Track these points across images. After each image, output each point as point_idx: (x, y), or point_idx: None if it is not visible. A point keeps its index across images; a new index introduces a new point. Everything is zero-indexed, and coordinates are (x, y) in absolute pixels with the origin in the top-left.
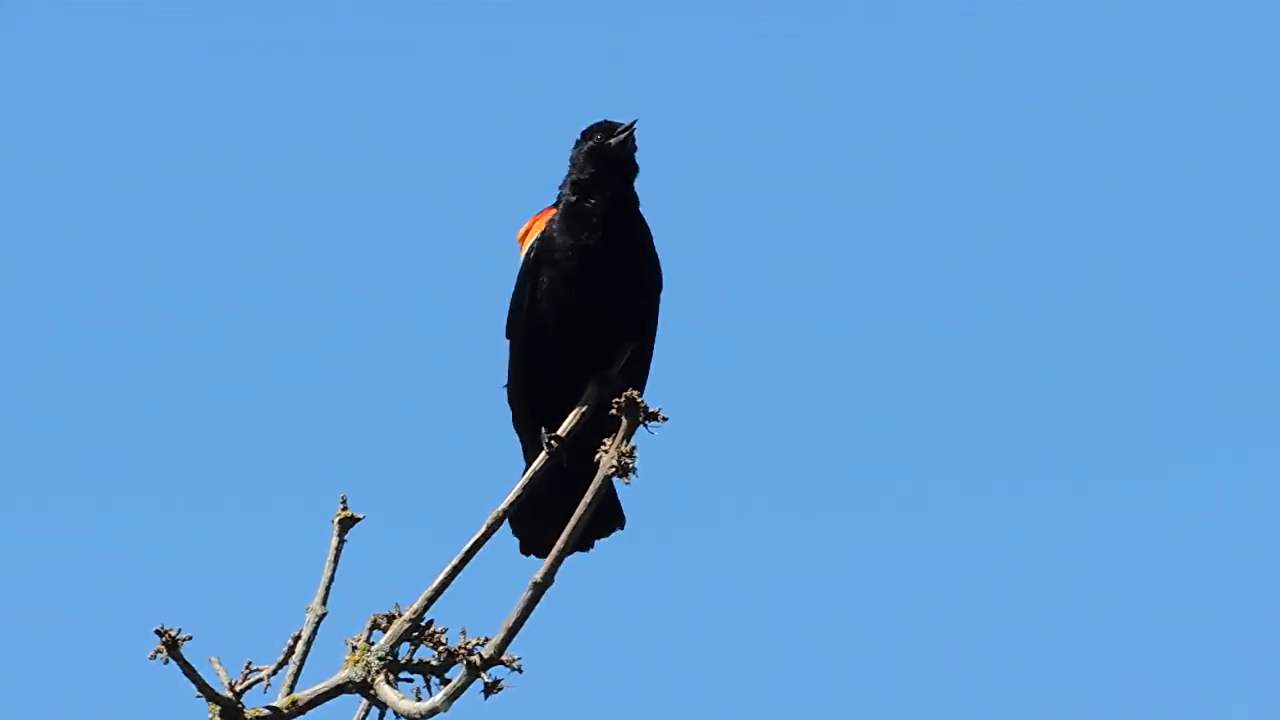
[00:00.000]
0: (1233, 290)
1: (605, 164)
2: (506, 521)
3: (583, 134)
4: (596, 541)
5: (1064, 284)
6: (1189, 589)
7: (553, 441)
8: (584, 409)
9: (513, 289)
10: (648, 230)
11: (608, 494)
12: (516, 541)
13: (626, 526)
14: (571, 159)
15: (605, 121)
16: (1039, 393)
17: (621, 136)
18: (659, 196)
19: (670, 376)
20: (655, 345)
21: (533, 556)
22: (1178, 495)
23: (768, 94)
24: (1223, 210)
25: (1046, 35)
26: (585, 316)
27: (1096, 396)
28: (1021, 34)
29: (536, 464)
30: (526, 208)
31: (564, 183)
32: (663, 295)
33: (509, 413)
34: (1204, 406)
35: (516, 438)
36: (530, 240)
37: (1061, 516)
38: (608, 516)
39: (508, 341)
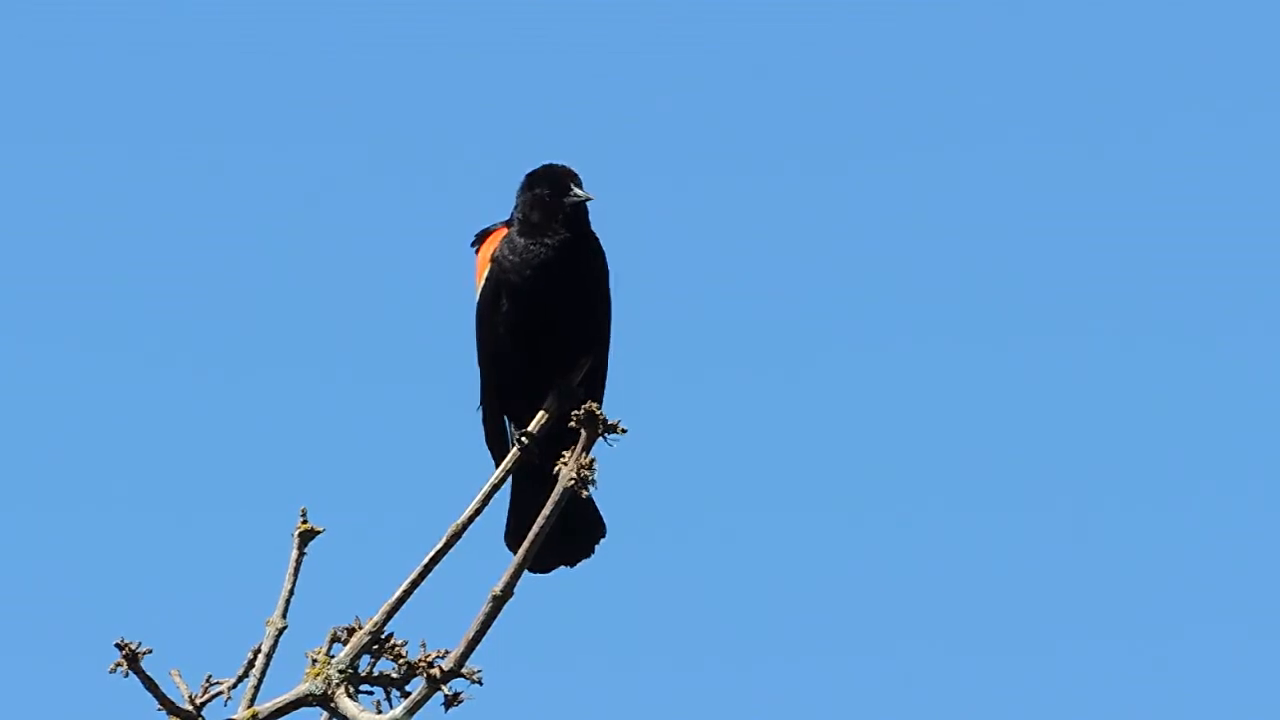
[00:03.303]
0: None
1: (557, 220)
2: (503, 541)
3: (533, 177)
4: (583, 559)
5: (1056, 290)
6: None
7: (523, 439)
8: (547, 416)
9: (475, 321)
10: (598, 243)
11: (588, 510)
12: (477, 554)
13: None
14: (519, 202)
15: (551, 171)
16: (1021, 400)
17: (572, 201)
18: (620, 204)
19: (630, 388)
20: (612, 357)
21: (501, 569)
22: (1170, 503)
23: (735, 100)
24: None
25: (1044, 38)
26: (544, 332)
27: (1089, 408)
28: (1019, 38)
29: (507, 462)
30: (494, 214)
31: (514, 214)
32: (626, 304)
33: (473, 425)
34: (1219, 415)
35: (485, 453)
36: (484, 269)
37: (1040, 527)
38: (588, 531)
39: (479, 368)
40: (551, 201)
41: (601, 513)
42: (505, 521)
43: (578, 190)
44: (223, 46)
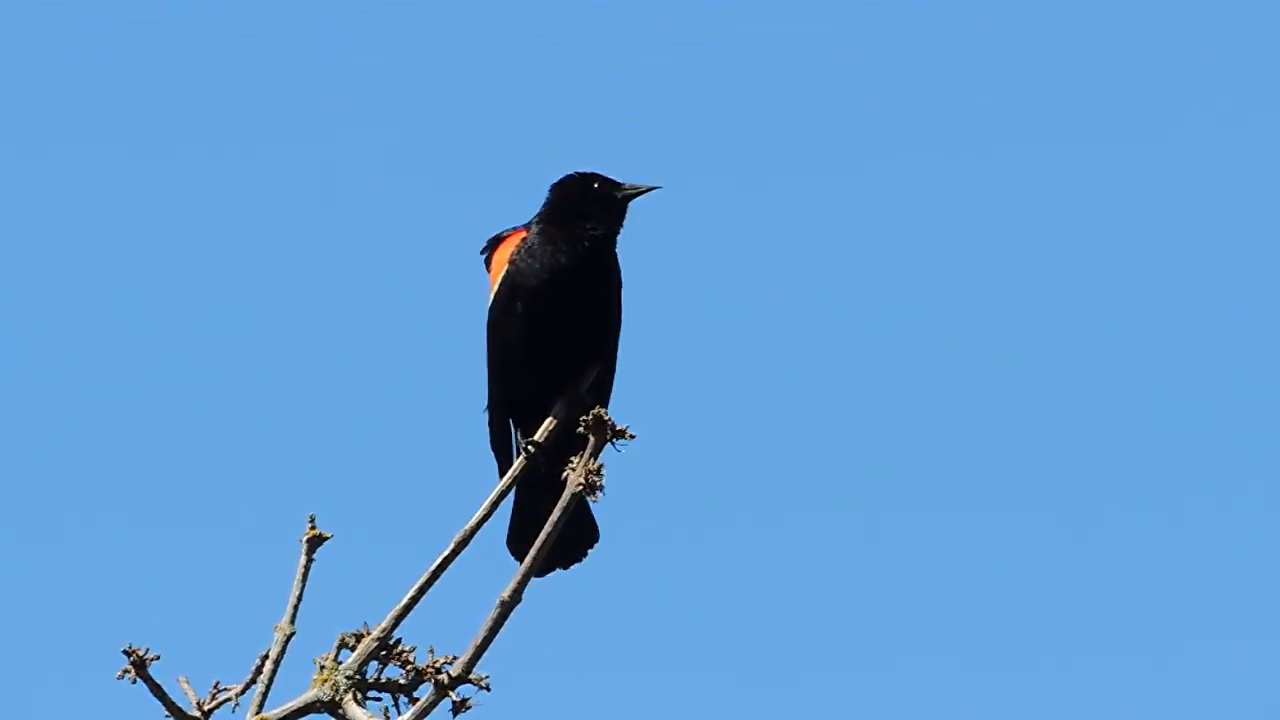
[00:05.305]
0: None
1: (607, 212)
2: (505, 547)
3: (578, 176)
4: (575, 563)
5: (1059, 291)
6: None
7: (530, 447)
8: (555, 423)
9: (486, 320)
10: (616, 258)
11: (583, 512)
12: (485, 559)
13: (600, 541)
14: (559, 195)
15: (601, 174)
16: (1006, 407)
17: (631, 193)
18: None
19: (636, 394)
20: (622, 363)
21: (505, 574)
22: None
23: (737, 102)
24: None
25: (1045, 39)
26: (557, 337)
27: (1083, 422)
28: (1020, 38)
29: (514, 470)
30: (504, 218)
31: (542, 213)
32: (634, 309)
33: (479, 430)
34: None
35: (492, 458)
36: (500, 273)
37: (1044, 532)
38: (583, 534)
39: (486, 367)
40: (603, 191)
41: (596, 518)
42: (508, 526)
43: (629, 185)
44: (229, 47)
